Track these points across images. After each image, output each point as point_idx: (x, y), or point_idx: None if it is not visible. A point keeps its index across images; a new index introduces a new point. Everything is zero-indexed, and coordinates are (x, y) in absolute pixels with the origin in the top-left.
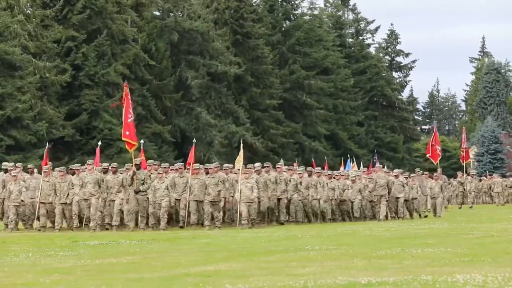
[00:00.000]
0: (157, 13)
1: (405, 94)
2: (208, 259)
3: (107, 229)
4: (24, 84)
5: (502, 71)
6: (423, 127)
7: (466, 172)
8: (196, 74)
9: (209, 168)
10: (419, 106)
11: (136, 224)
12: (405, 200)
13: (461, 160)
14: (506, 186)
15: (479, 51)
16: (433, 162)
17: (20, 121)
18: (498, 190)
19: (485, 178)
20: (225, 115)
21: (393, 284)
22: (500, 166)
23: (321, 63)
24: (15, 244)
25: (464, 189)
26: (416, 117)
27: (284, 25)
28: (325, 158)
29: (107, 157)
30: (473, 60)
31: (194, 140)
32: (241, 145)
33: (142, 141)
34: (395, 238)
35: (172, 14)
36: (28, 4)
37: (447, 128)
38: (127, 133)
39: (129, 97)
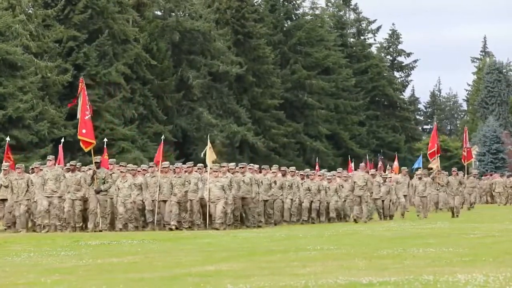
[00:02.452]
0: (159, 13)
1: (406, 94)
2: (209, 259)
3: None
4: (25, 84)
5: (504, 70)
6: (425, 126)
7: (467, 172)
8: (198, 74)
9: (176, 167)
10: (420, 106)
11: (112, 224)
12: (382, 201)
13: (462, 160)
14: (505, 186)
15: (481, 51)
16: (429, 159)
17: (22, 121)
18: (500, 190)
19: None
20: (227, 115)
21: (394, 284)
22: (502, 166)
23: (323, 63)
24: (16, 244)
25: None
26: (417, 116)
27: (286, 25)
28: (365, 157)
29: (108, 156)
30: (475, 60)
31: (163, 137)
32: (208, 141)
33: (105, 140)
34: (396, 238)
35: (173, 14)
36: (30, 4)
37: (448, 128)
38: (84, 131)
39: (86, 93)
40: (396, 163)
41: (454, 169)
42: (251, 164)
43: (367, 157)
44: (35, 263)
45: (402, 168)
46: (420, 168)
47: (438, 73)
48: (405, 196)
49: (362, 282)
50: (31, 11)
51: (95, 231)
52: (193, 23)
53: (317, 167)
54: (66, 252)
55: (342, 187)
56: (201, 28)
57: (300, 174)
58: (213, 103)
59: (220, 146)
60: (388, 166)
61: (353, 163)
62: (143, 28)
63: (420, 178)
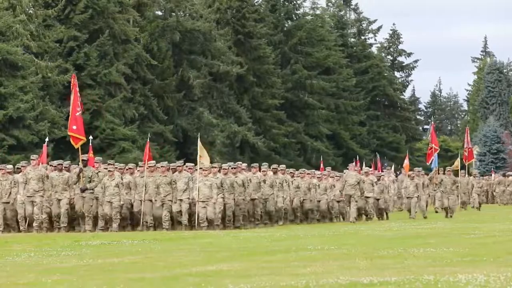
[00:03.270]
0: (159, 12)
1: (407, 93)
2: (209, 259)
3: (57, 229)
4: (26, 84)
5: (504, 70)
6: (425, 126)
7: (468, 172)
8: (198, 74)
9: (162, 166)
10: (421, 106)
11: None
12: (378, 199)
13: (463, 160)
14: (506, 185)
15: (481, 51)
16: (426, 162)
17: (22, 121)
18: (500, 190)
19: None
20: (227, 115)
21: (395, 284)
22: (502, 166)
23: (323, 63)
24: (17, 244)
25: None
26: (418, 116)
27: (286, 25)
28: (381, 157)
29: (108, 156)
30: (475, 59)
31: (149, 135)
32: (199, 140)
33: (91, 138)
34: (396, 238)
35: (174, 13)
36: (30, 4)
37: (449, 128)
38: (74, 127)
39: (77, 89)
40: (406, 161)
41: (448, 168)
42: (238, 163)
43: (378, 157)
44: (35, 263)
45: (415, 168)
46: (436, 167)
47: (438, 73)
48: (418, 196)
49: (363, 282)
50: (31, 11)
51: (90, 231)
52: (193, 23)
53: (321, 167)
54: (66, 252)
55: (334, 186)
56: (201, 28)
57: (290, 172)
58: (214, 103)
59: (221, 146)
60: (388, 166)
61: (358, 163)
62: (144, 28)
63: (412, 179)
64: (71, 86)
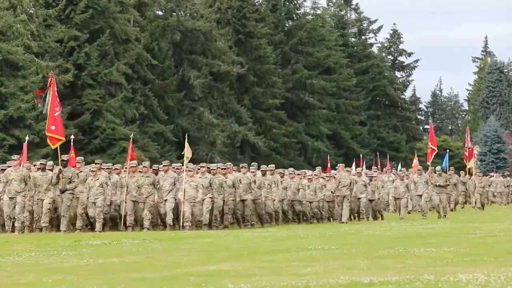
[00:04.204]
0: (160, 12)
1: (407, 93)
2: (210, 259)
3: (38, 229)
4: (26, 84)
5: (505, 70)
6: (426, 126)
7: (469, 172)
8: (199, 73)
9: (144, 167)
10: (421, 106)
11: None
12: (371, 200)
13: (464, 160)
14: (504, 185)
15: (482, 51)
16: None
17: (23, 120)
18: (501, 189)
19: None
20: (228, 115)
21: (395, 284)
22: (503, 166)
23: (324, 62)
24: (17, 243)
25: (467, 189)
26: (418, 116)
27: (287, 25)
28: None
29: (109, 156)
30: (476, 59)
31: (132, 135)
32: (186, 139)
33: (72, 137)
34: (397, 237)
35: (174, 13)
36: (31, 4)
37: (449, 127)
38: (53, 127)
39: (55, 88)
40: (415, 160)
41: (438, 168)
42: (228, 163)
43: (387, 158)
44: (36, 263)
45: (418, 168)
46: (432, 168)
47: (439, 73)
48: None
49: (363, 282)
50: (32, 11)
51: (65, 231)
52: (194, 22)
53: (328, 166)
54: (67, 252)
55: (325, 186)
56: (202, 28)
57: (279, 173)
58: (214, 103)
59: (222, 146)
60: (388, 166)
61: (360, 163)
62: (144, 28)
63: (402, 179)
64: (48, 85)
